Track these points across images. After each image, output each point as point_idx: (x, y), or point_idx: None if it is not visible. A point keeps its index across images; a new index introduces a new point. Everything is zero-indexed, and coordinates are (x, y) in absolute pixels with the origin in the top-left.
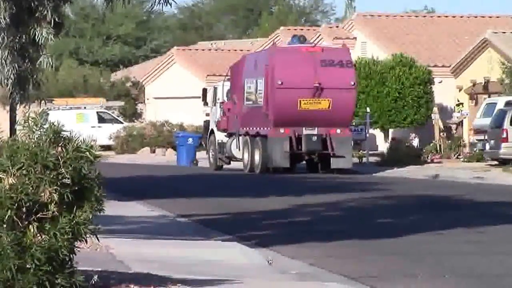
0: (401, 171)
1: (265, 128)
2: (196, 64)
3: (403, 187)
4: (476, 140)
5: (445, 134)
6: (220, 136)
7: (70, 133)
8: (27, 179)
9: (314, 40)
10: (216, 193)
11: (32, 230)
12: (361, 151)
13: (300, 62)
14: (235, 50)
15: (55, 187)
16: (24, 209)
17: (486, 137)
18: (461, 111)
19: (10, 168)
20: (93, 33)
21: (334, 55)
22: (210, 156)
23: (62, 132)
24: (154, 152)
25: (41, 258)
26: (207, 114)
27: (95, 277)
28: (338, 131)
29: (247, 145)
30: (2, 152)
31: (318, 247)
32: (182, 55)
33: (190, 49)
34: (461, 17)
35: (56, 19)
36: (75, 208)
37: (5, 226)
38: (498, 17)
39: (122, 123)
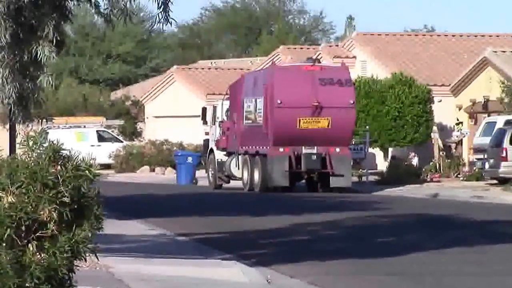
0: (401, 190)
1: (265, 147)
2: (195, 83)
3: (402, 206)
4: (476, 159)
5: (444, 153)
6: (219, 155)
7: (70, 152)
8: (26, 197)
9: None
10: (215, 212)
11: (31, 248)
12: (360, 170)
13: (299, 81)
14: (235, 69)
15: (55, 206)
16: (23, 228)
17: (485, 156)
18: (461, 130)
19: (10, 186)
20: (93, 51)
21: (334, 74)
22: (210, 175)
23: (62, 151)
24: (153, 170)
25: (41, 276)
26: (207, 133)
27: None
28: (338, 150)
29: (247, 164)
30: (1, 170)
31: (317, 265)
32: (182, 74)
33: (190, 68)
34: (461, 36)
35: (58, 38)
36: (74, 227)
37: (4, 244)
38: (497, 36)
39: (121, 141)
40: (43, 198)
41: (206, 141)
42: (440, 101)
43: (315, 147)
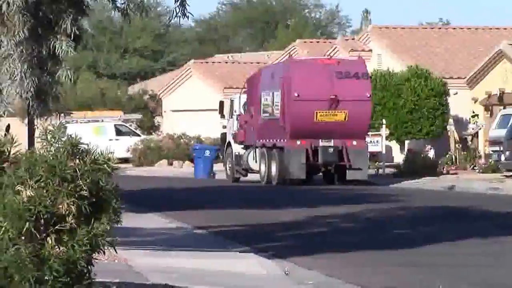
0: (417, 182)
1: (282, 140)
2: (213, 77)
3: (419, 198)
4: (492, 151)
5: (460, 145)
6: (237, 148)
7: (88, 146)
8: (45, 191)
9: (330, 53)
10: (233, 205)
11: (50, 242)
12: (377, 162)
13: (316, 74)
14: (252, 63)
15: (73, 199)
16: (42, 221)
17: (501, 148)
18: (477, 122)
19: (28, 180)
20: (111, 46)
21: (350, 67)
22: (227, 168)
23: (80, 145)
24: (171, 164)
25: (59, 269)
26: (224, 127)
27: None
28: (354, 142)
29: (264, 157)
30: (20, 164)
31: (335, 258)
32: (199, 68)
33: (207, 62)
34: (476, 29)
35: (75, 32)
36: (92, 220)
37: (23, 238)
38: None
39: (139, 135)
40: (62, 191)
41: (224, 135)
42: (456, 93)
43: (332, 140)
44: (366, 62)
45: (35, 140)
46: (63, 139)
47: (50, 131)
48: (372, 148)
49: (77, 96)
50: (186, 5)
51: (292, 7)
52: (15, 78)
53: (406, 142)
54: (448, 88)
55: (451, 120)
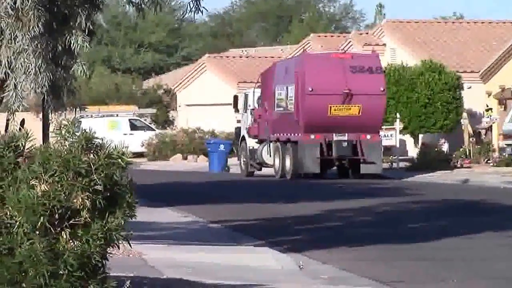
0: (431, 176)
1: (296, 134)
2: (227, 71)
3: (432, 192)
4: (505, 144)
5: (474, 139)
6: (251, 143)
7: (102, 140)
8: (59, 185)
9: (344, 47)
10: (247, 199)
11: (64, 236)
12: (391, 156)
13: (330, 68)
14: (266, 57)
15: (87, 194)
16: (56, 216)
17: None
18: (490, 116)
19: (43, 175)
20: (125, 41)
21: (364, 62)
22: (242, 162)
23: (94, 139)
24: (186, 158)
25: (74, 264)
26: (238, 121)
27: (128, 282)
28: (368, 136)
29: (278, 151)
30: (34, 159)
31: (349, 251)
32: (213, 63)
33: (221, 57)
34: (490, 22)
35: (90, 27)
36: (107, 214)
37: (38, 232)
38: None
39: (154, 130)
40: (76, 186)
41: (238, 129)
42: (470, 87)
43: (346, 134)
44: (380, 56)
45: (50, 134)
46: (78, 133)
47: (64, 125)
48: (386, 142)
49: (91, 91)
50: None
51: (306, 1)
52: (30, 73)
53: (420, 136)
54: (462, 82)
55: (465, 114)
